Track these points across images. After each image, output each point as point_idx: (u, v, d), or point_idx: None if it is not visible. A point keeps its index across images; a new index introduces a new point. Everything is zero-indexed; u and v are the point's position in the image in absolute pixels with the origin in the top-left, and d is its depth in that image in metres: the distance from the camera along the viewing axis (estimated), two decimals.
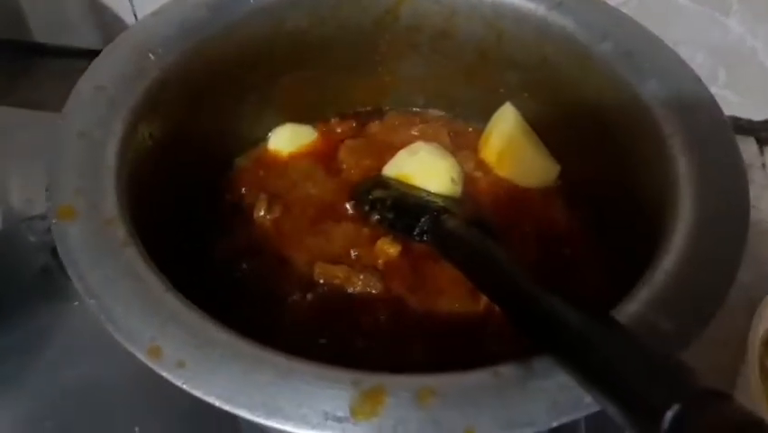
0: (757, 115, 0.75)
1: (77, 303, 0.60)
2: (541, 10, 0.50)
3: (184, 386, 0.29)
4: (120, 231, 0.35)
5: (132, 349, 0.31)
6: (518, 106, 0.56)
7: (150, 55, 0.44)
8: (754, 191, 0.40)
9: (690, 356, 0.29)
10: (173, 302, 0.32)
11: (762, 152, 0.75)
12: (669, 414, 0.22)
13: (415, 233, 0.48)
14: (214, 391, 0.29)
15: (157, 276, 0.33)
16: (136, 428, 0.52)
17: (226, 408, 0.29)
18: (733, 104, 0.74)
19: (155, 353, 0.30)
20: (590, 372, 0.27)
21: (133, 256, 0.34)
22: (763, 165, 0.74)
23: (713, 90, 0.44)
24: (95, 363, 0.56)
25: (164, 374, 0.30)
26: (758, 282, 0.58)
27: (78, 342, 0.58)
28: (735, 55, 0.70)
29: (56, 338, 0.58)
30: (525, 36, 0.52)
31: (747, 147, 0.75)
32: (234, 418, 0.51)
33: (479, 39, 0.54)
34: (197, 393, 0.29)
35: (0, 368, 0.56)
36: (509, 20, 0.52)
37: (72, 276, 0.33)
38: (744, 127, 0.75)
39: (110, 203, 0.36)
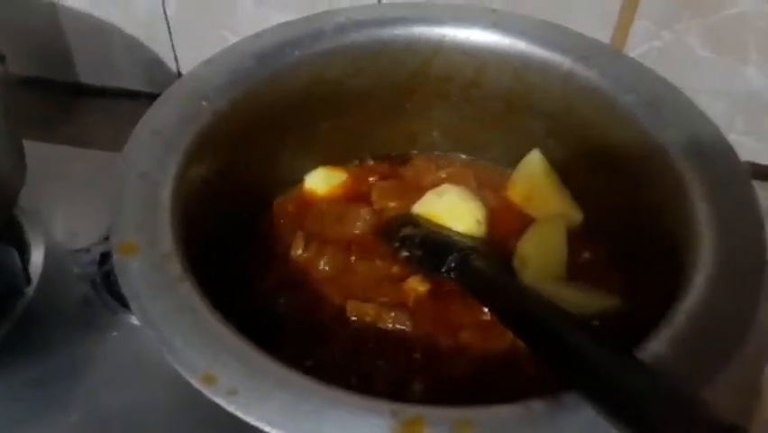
0: None
1: (115, 333, 0.62)
2: (567, 63, 0.53)
3: (236, 412, 0.31)
4: (176, 266, 0.37)
5: (188, 377, 0.33)
6: (543, 152, 0.58)
7: (203, 102, 0.47)
8: None
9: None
10: (227, 334, 0.34)
11: None
12: None
13: (442, 270, 0.50)
14: (264, 417, 0.31)
15: (210, 310, 0.36)
16: None
17: None
18: (751, 150, 0.75)
19: (210, 380, 0.32)
20: (615, 406, 0.29)
21: (189, 291, 0.36)
22: None
23: (731, 137, 0.46)
24: (133, 391, 0.58)
25: (217, 400, 0.32)
26: None
27: (117, 370, 0.59)
28: (753, 103, 0.72)
29: (96, 366, 0.60)
30: (551, 87, 0.54)
31: (766, 192, 0.76)
32: None
33: (507, 89, 0.56)
34: (249, 419, 0.31)
35: (43, 392, 0.58)
36: (536, 71, 0.54)
37: (134, 309, 0.35)
38: (761, 172, 0.77)
39: (167, 239, 0.39)
